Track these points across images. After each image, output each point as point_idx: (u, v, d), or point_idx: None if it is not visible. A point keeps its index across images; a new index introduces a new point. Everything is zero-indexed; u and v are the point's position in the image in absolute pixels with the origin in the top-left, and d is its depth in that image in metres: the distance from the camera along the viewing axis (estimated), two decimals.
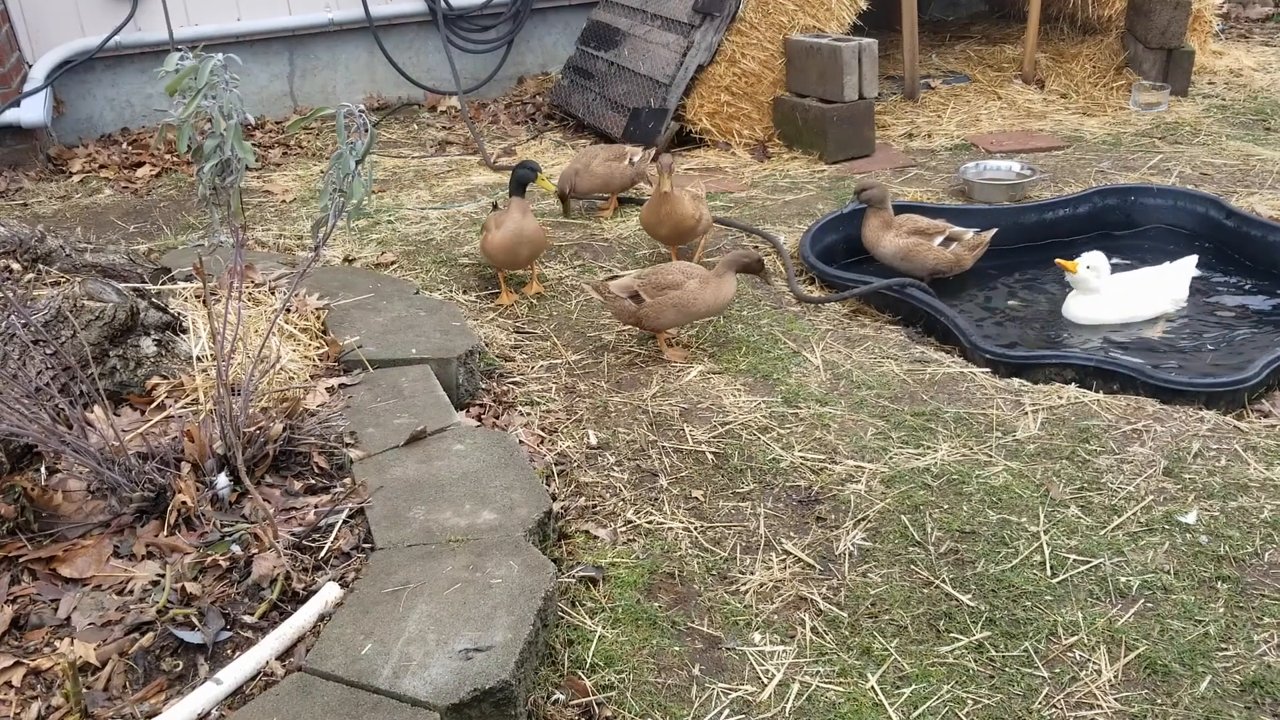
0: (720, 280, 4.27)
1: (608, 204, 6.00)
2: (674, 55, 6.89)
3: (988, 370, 4.16)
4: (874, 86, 6.54)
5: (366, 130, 3.23)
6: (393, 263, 5.38)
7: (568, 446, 3.82)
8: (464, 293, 5.08)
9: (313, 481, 3.31)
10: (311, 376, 3.83)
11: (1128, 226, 5.62)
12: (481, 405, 4.06)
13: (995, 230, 5.18)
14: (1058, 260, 4.74)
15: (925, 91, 7.64)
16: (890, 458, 3.64)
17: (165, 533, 3.00)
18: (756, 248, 5.40)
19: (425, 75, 8.34)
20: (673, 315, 4.27)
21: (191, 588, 2.78)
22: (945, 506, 3.39)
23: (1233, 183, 5.87)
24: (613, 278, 4.46)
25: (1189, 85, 7.48)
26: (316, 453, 3.38)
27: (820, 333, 4.55)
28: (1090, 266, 4.60)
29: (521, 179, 4.85)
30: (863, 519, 3.36)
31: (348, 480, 3.30)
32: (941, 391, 4.02)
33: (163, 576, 2.84)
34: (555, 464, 3.72)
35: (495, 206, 5.11)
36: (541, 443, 3.86)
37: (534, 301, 4.97)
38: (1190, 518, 3.25)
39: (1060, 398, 3.91)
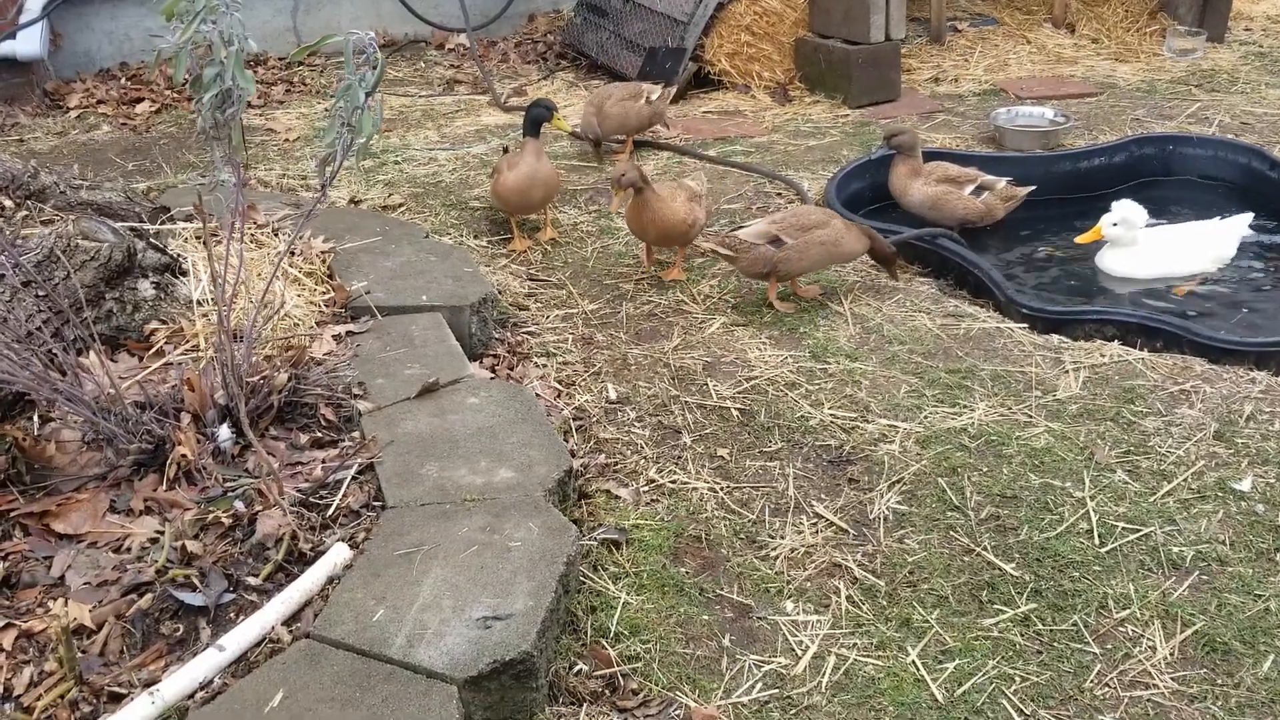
0: (861, 231, 4.15)
1: (623, 146, 5.77)
2: None
3: (1024, 326, 3.97)
4: (901, 28, 6.29)
5: (377, 62, 3.02)
6: (400, 205, 5.17)
7: (586, 400, 3.65)
8: (475, 238, 4.88)
9: (320, 435, 3.14)
10: (317, 323, 3.65)
11: (1165, 176, 5.40)
12: (495, 356, 3.88)
13: (1032, 188, 4.96)
14: (1078, 239, 4.55)
15: (952, 35, 7.37)
16: (925, 417, 3.46)
17: (164, 487, 2.84)
18: (780, 194, 5.18)
19: (432, 11, 8.06)
20: (817, 255, 4.08)
21: (192, 546, 2.63)
22: (985, 469, 3.22)
23: (1275, 133, 5.64)
24: (737, 228, 4.18)
25: (1225, 31, 7.21)
26: (324, 404, 3.21)
27: (848, 285, 4.35)
28: (1122, 220, 4.38)
29: (536, 118, 4.63)
30: (897, 481, 3.20)
31: (356, 434, 3.14)
32: (977, 348, 3.84)
33: (162, 534, 2.68)
34: (573, 419, 3.55)
35: (506, 150, 4.90)
36: (559, 396, 3.69)
37: (548, 248, 4.77)
38: (1245, 485, 3.08)
39: (1103, 356, 3.73)
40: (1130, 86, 6.50)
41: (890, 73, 6.36)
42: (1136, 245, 4.44)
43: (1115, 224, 4.36)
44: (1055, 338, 3.88)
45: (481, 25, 8.02)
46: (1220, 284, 4.46)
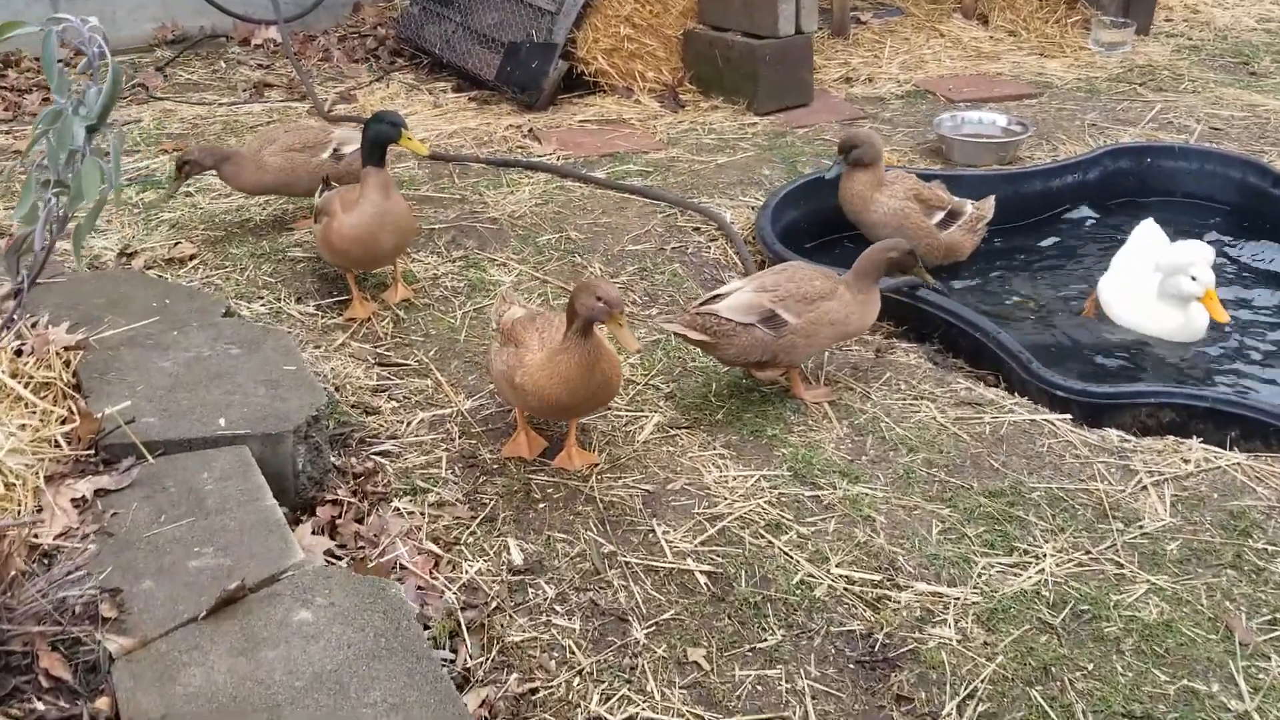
0: (869, 291, 3.03)
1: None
2: None
3: (1065, 416, 2.95)
4: (813, 18, 5.26)
5: (109, 72, 1.74)
6: (192, 257, 3.81)
7: (479, 571, 2.44)
8: (298, 302, 3.58)
9: (38, 708, 1.83)
10: (48, 479, 2.32)
11: (1142, 194, 4.53)
12: (335, 503, 2.62)
13: (990, 198, 4.01)
14: (1085, 312, 3.64)
15: (855, 26, 6.41)
16: (979, 574, 2.40)
17: None
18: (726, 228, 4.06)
19: (234, 0, 6.60)
20: (827, 337, 2.96)
21: None
22: (1088, 665, 2.17)
23: (1253, 139, 4.85)
24: (713, 297, 2.94)
25: (1150, 23, 6.48)
26: (45, 649, 1.90)
27: (814, 357, 3.27)
28: (1195, 270, 3.38)
29: (379, 138, 3.34)
30: (970, 696, 2.11)
31: (103, 702, 1.85)
32: (1014, 453, 2.80)
33: None
34: (462, 607, 2.34)
35: (328, 184, 3.59)
36: (436, 566, 2.46)
37: (401, 314, 3.52)
38: None
39: (1185, 462, 2.74)
40: (1068, 86, 5.65)
41: (801, 71, 5.32)
42: (1191, 303, 3.47)
43: (1194, 277, 3.38)
44: (1113, 434, 2.87)
45: (296, 16, 6.60)
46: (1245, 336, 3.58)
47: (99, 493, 2.31)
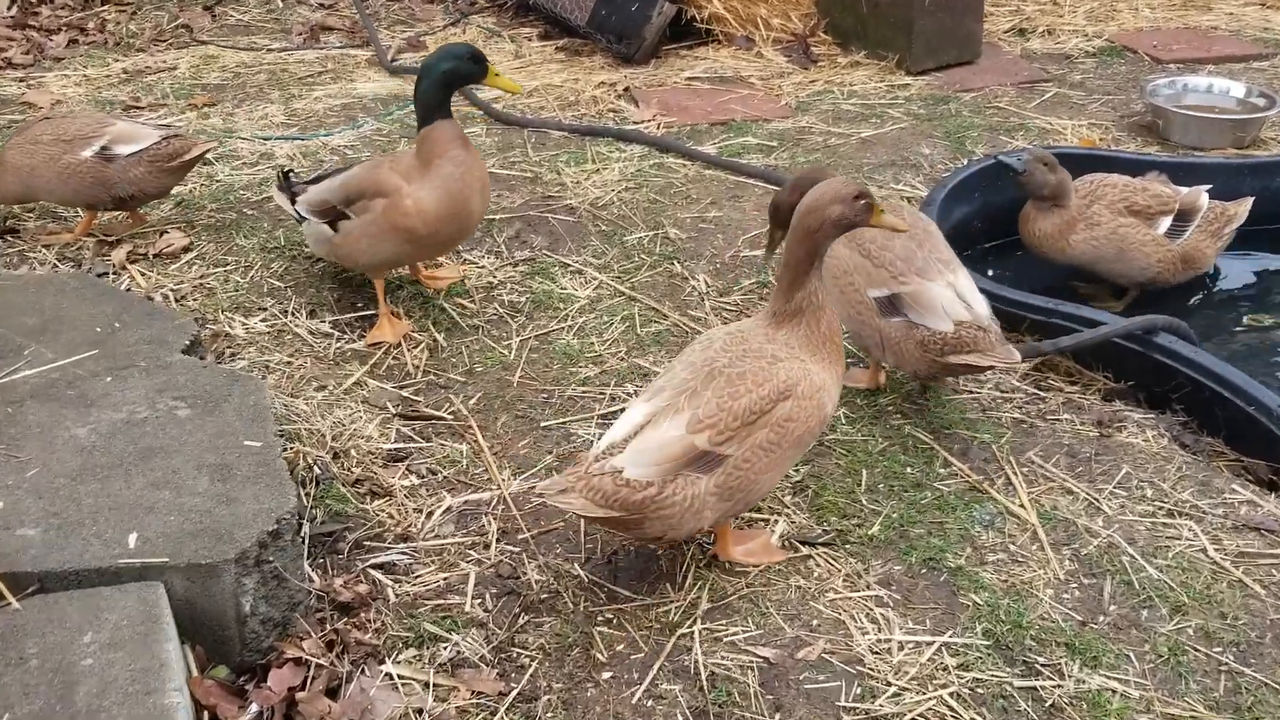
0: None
1: (61, 230, 3.14)
2: None
3: None
4: None
5: None
6: (186, 250, 2.99)
7: None
8: (309, 315, 2.73)
9: None
10: None
11: None
12: (298, 661, 1.76)
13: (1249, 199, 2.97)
14: None
15: None
16: None
17: None
18: None
19: None
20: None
21: None
22: None
23: None
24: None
25: None
26: None
27: (992, 424, 2.29)
28: None
29: (453, 79, 2.52)
30: None
31: None
32: None
33: None
34: None
35: (287, 179, 2.66)
36: None
37: (440, 337, 2.64)
38: None
39: None
40: None
41: (969, 20, 4.26)
42: None
43: None
44: None
45: None
46: None
47: None
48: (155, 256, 2.96)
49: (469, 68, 2.51)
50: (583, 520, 1.99)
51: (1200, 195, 2.93)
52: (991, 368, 2.19)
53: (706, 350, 1.85)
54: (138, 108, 4.09)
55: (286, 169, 2.85)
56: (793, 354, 1.83)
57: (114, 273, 2.92)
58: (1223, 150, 3.49)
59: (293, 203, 2.72)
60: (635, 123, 3.82)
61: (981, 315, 2.17)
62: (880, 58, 4.33)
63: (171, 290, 2.81)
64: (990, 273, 3.15)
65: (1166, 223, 2.88)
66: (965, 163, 3.31)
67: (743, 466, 1.77)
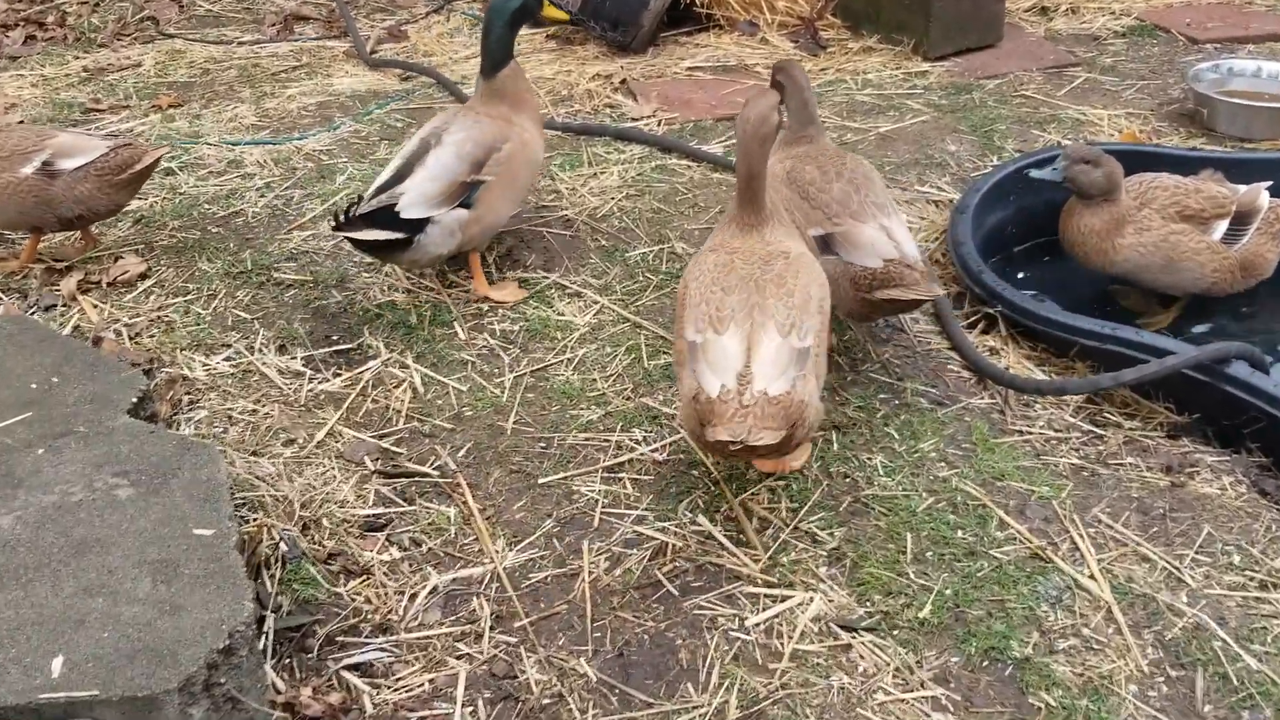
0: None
1: (8, 256, 2.86)
2: None
3: None
4: None
5: None
6: (143, 277, 2.71)
7: None
8: (279, 350, 2.46)
9: None
10: None
11: None
12: None
13: None
14: None
15: None
16: None
17: None
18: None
19: None
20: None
21: None
22: None
23: None
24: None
25: None
26: None
27: (1050, 473, 2.03)
28: None
29: (522, 18, 2.73)
30: None
31: None
32: None
33: None
34: None
35: (355, 217, 2.33)
36: None
37: (427, 370, 2.36)
38: None
39: None
40: None
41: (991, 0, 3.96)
42: None
43: None
44: None
45: None
46: None
47: None
48: (109, 285, 2.68)
49: (531, 4, 2.72)
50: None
51: (1260, 194, 2.66)
52: (917, 302, 2.24)
53: (726, 274, 1.94)
54: (98, 110, 3.79)
55: (349, 204, 2.46)
56: (794, 243, 2.03)
57: (63, 304, 2.64)
58: (1274, 141, 3.21)
59: (386, 226, 2.40)
60: (634, 119, 3.53)
61: (909, 254, 2.23)
62: (895, 42, 4.03)
63: (126, 325, 2.53)
64: (1020, 274, 2.89)
65: (1223, 227, 2.61)
66: (997, 160, 3.03)
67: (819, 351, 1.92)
